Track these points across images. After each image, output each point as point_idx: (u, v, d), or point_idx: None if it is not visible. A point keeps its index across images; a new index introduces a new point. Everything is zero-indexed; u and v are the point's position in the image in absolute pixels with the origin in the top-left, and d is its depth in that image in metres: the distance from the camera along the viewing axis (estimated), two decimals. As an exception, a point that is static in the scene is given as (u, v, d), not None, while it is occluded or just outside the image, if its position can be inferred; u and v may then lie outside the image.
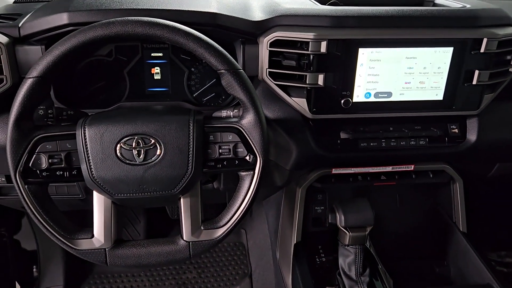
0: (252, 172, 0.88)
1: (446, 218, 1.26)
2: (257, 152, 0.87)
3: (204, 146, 0.86)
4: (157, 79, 1.10)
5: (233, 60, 0.85)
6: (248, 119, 0.86)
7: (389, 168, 1.17)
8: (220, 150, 0.87)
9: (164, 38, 0.81)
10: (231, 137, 0.87)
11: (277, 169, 1.16)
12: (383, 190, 1.30)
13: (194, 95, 1.12)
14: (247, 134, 0.86)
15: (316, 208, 1.20)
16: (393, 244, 1.27)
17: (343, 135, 1.10)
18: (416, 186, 1.28)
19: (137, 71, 1.08)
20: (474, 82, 1.06)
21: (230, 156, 0.87)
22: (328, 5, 1.13)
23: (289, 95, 1.04)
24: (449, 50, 1.04)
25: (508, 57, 1.08)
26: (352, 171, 1.16)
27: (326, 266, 1.16)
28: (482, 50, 1.03)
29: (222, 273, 1.74)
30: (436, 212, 1.31)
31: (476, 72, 1.05)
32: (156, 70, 1.10)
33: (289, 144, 1.09)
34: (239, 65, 0.86)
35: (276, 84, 1.03)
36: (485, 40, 1.02)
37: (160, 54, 1.08)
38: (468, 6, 1.09)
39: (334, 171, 1.15)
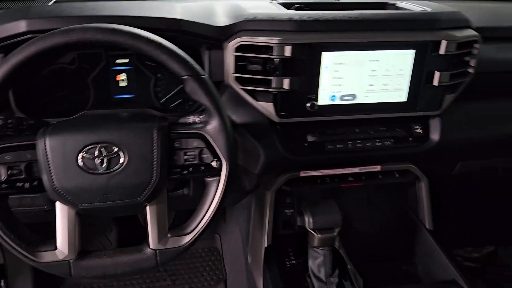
0: (218, 178, 0.88)
1: (413, 217, 1.29)
2: (223, 157, 0.87)
3: (169, 153, 0.85)
4: (122, 86, 1.09)
5: (196, 65, 0.85)
6: (213, 125, 0.86)
7: (356, 169, 1.19)
8: (185, 157, 0.87)
9: (126, 44, 0.80)
10: (196, 143, 0.87)
11: (245, 174, 1.16)
12: (352, 191, 1.31)
13: (161, 101, 1.11)
14: (212, 140, 0.86)
15: (285, 211, 1.20)
16: (362, 244, 1.28)
17: (310, 138, 1.11)
18: (384, 187, 1.30)
19: (102, 79, 1.06)
20: (435, 83, 1.09)
21: (196, 162, 0.87)
22: (293, 9, 1.14)
23: (256, 100, 1.05)
24: (411, 53, 1.06)
25: (467, 58, 1.11)
26: (320, 173, 1.17)
27: (296, 268, 1.16)
28: (442, 52, 1.06)
29: (196, 279, 1.72)
30: (404, 211, 1.33)
31: (437, 73, 1.08)
32: (122, 77, 1.08)
33: (257, 148, 1.09)
34: (203, 71, 0.86)
35: (242, 89, 1.03)
36: (444, 42, 1.05)
37: (125, 61, 1.07)
38: (428, 9, 1.12)
39: (302, 173, 1.16)
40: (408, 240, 1.32)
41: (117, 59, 1.06)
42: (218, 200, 0.87)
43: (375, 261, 1.27)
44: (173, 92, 1.10)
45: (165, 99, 1.11)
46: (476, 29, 1.14)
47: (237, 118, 1.08)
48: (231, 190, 0.90)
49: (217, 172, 0.87)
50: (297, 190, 1.20)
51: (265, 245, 1.17)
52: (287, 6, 1.15)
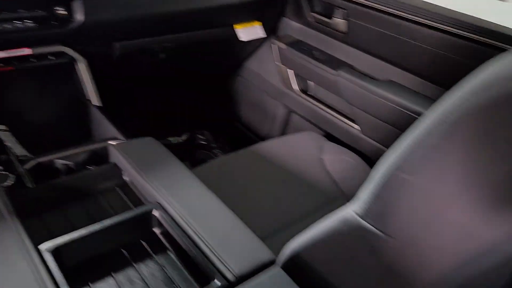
0: None
1: (82, 97, 1.39)
2: None
3: None
4: None
5: None
6: None
7: (3, 54, 1.20)
8: None
9: None
10: None
11: None
12: (17, 81, 1.32)
13: None
14: None
15: None
16: (41, 132, 1.32)
17: None
18: (49, 71, 1.33)
19: None
20: None
21: None
22: None
23: None
24: None
25: None
26: None
27: None
28: None
29: None
30: (76, 92, 1.41)
31: None
32: None
33: None
34: None
35: None
36: None
37: None
38: None
39: None
40: (84, 119, 1.41)
41: None
42: None
43: (56, 146, 1.31)
44: None
45: None
46: None
47: None
48: None
49: None
50: None
51: None
52: None
